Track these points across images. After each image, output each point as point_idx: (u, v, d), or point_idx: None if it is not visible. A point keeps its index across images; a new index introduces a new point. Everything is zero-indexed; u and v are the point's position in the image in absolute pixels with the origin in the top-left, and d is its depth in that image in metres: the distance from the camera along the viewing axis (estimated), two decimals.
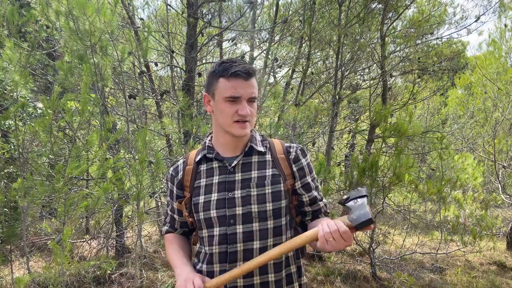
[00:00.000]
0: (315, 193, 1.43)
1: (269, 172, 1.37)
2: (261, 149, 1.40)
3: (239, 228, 1.31)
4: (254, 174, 1.36)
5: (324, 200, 1.48)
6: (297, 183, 1.41)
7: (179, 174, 1.45)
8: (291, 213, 1.42)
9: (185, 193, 1.43)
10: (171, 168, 1.49)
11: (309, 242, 1.22)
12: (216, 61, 1.37)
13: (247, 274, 1.28)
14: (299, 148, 1.44)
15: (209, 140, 1.45)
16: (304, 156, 1.43)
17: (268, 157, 1.40)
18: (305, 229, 1.46)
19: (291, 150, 1.42)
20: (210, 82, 1.35)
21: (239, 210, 1.32)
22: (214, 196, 1.34)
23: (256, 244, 1.30)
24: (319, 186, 1.48)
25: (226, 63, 1.30)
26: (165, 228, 1.55)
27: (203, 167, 1.41)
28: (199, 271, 1.38)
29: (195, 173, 1.41)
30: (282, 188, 1.35)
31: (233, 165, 1.37)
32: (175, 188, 1.46)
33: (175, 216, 1.50)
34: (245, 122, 1.31)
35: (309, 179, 1.42)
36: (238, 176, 1.36)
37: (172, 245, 1.47)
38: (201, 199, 1.36)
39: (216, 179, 1.37)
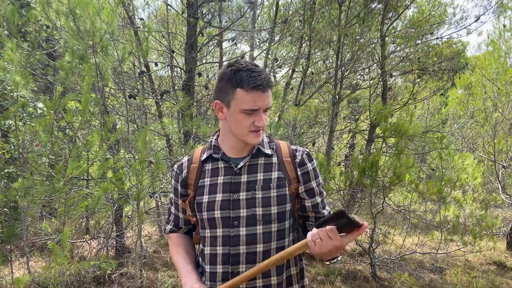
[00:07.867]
0: (318, 199, 1.41)
1: (274, 175, 1.35)
2: (268, 151, 1.38)
3: (243, 231, 1.30)
4: (260, 176, 1.34)
5: (327, 208, 1.45)
6: (301, 187, 1.38)
7: (183, 172, 1.43)
8: (294, 215, 1.41)
9: (189, 191, 1.41)
10: (176, 166, 1.47)
11: (298, 252, 1.21)
12: (228, 65, 1.28)
13: None
14: (306, 152, 1.41)
15: (215, 139, 1.43)
16: (310, 160, 1.40)
17: (274, 159, 1.38)
18: (306, 231, 1.45)
19: (297, 153, 1.40)
20: (223, 91, 1.28)
21: (243, 212, 1.30)
22: (219, 197, 1.33)
23: (260, 247, 1.30)
24: (324, 193, 1.45)
25: (244, 72, 1.23)
26: (168, 227, 1.52)
27: (208, 166, 1.39)
28: (202, 272, 1.38)
29: (199, 172, 1.40)
30: (287, 192, 1.34)
31: (239, 166, 1.35)
32: (179, 186, 1.44)
33: (180, 214, 1.48)
34: (259, 131, 1.31)
35: (313, 184, 1.40)
36: (244, 178, 1.34)
37: (178, 249, 1.45)
38: (205, 198, 1.35)
39: (221, 179, 1.35)
